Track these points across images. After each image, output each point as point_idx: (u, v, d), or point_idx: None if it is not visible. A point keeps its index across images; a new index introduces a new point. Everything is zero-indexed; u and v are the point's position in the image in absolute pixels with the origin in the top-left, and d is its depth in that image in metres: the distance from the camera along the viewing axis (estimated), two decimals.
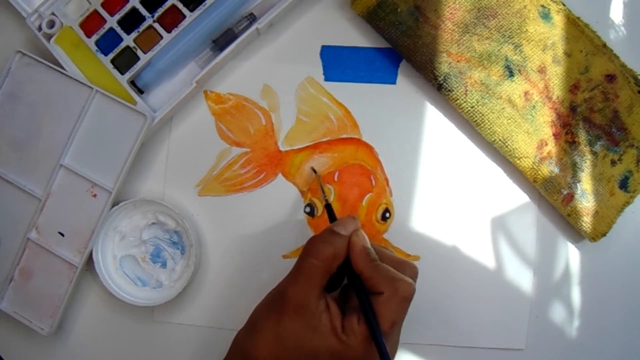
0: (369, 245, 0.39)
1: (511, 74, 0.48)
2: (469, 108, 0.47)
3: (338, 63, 0.50)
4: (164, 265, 0.49)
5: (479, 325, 0.49)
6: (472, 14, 0.47)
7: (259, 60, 0.50)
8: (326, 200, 0.45)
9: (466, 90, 0.47)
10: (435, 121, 0.50)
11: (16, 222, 0.47)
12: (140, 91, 0.48)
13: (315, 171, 0.48)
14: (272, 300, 0.40)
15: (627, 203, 0.48)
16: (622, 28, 0.50)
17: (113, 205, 0.47)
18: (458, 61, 0.47)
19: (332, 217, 0.44)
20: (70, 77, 0.47)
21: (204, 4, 0.47)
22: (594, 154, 0.48)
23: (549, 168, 0.47)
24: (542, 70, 0.48)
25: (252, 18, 0.48)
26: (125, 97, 0.47)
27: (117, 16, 0.47)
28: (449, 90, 0.47)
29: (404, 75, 0.50)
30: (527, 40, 0.48)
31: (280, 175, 0.49)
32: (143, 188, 0.50)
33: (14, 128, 0.47)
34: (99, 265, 0.47)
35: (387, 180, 0.49)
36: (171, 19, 0.47)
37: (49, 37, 0.47)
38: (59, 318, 0.47)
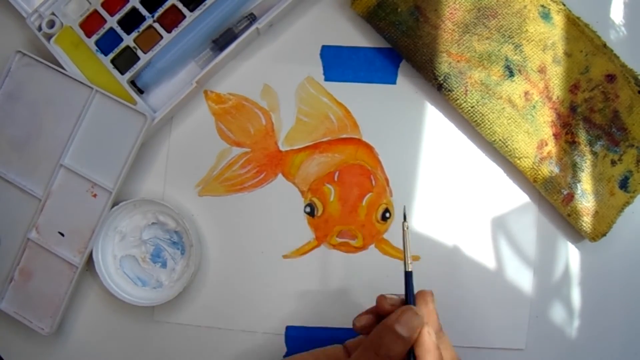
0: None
1: (511, 74, 0.48)
2: (469, 108, 0.47)
3: (338, 63, 0.50)
4: (164, 265, 0.49)
5: (478, 325, 0.49)
6: (472, 14, 0.47)
7: (259, 60, 0.50)
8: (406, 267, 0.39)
9: (466, 90, 0.47)
10: (435, 121, 0.50)
11: (16, 222, 0.47)
12: (140, 91, 0.48)
13: (406, 225, 0.40)
14: None
15: (627, 203, 0.48)
16: (622, 28, 0.50)
17: (113, 205, 0.47)
18: (458, 61, 0.47)
19: (409, 289, 0.38)
20: (70, 77, 0.47)
21: (204, 4, 0.47)
22: (594, 154, 0.48)
23: (549, 168, 0.47)
24: (542, 70, 0.48)
25: (252, 18, 0.48)
26: (125, 97, 0.47)
27: (117, 16, 0.47)
28: (449, 90, 0.47)
29: (404, 75, 0.50)
30: (527, 40, 0.48)
31: (280, 175, 0.49)
32: (143, 188, 0.50)
33: (14, 128, 0.47)
34: (99, 265, 0.47)
35: (387, 180, 0.49)
36: (171, 19, 0.47)
37: (49, 37, 0.47)
38: (59, 318, 0.47)
